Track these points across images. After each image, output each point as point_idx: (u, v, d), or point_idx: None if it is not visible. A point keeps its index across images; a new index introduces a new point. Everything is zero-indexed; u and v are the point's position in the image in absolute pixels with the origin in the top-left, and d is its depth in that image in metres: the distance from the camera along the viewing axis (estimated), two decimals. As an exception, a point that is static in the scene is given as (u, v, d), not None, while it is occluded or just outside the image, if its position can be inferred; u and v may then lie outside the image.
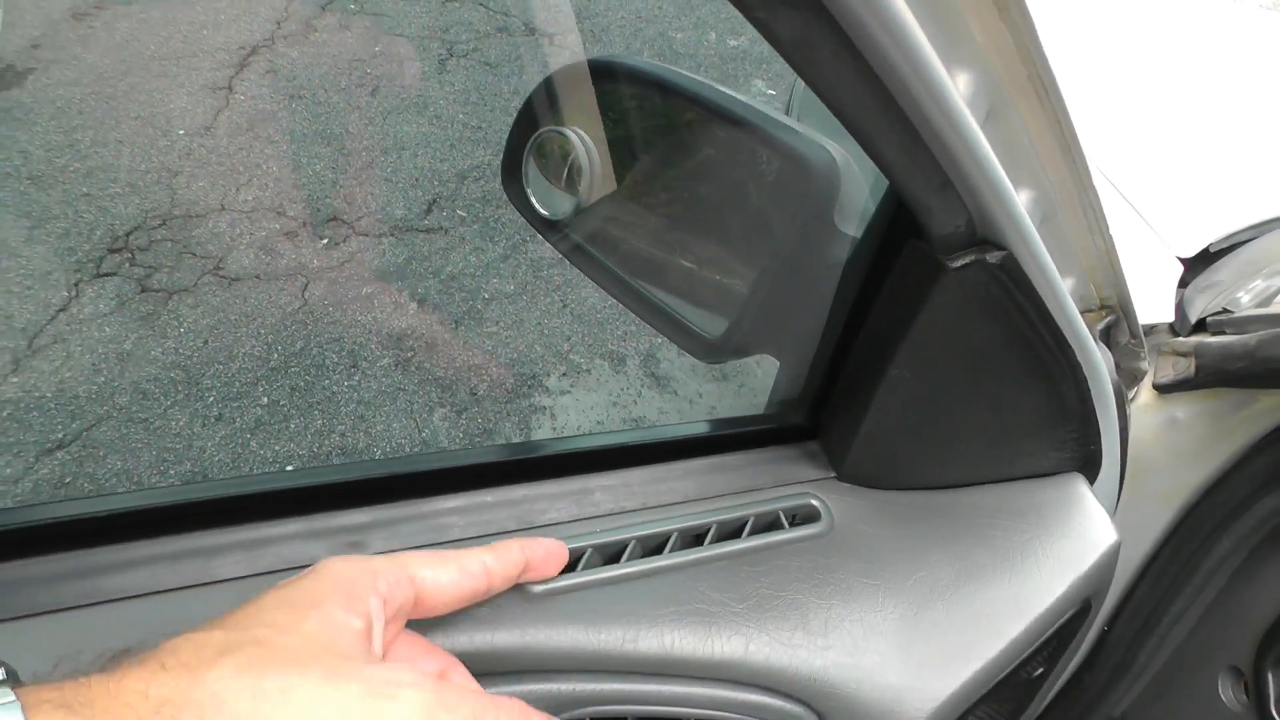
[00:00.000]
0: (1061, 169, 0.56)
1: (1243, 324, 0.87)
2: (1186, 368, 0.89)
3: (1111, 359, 0.79)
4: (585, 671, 0.56)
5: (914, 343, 0.59)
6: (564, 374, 2.46)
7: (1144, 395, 0.91)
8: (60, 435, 2.08)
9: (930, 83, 0.40)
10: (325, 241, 2.72)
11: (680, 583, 0.59)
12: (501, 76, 3.64)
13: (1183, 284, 0.99)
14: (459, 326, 2.52)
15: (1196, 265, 1.01)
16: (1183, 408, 0.92)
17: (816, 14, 0.36)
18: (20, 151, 2.80)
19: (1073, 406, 0.70)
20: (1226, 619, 0.97)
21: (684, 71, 0.77)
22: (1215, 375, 0.86)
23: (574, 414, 2.36)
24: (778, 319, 0.70)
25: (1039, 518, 0.73)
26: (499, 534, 0.59)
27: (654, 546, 0.61)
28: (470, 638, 0.53)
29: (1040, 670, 0.78)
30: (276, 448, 2.17)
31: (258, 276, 2.55)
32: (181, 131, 3.01)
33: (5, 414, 2.09)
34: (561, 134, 0.83)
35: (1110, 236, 0.65)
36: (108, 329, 2.33)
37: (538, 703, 0.55)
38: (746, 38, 4.06)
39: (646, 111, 0.82)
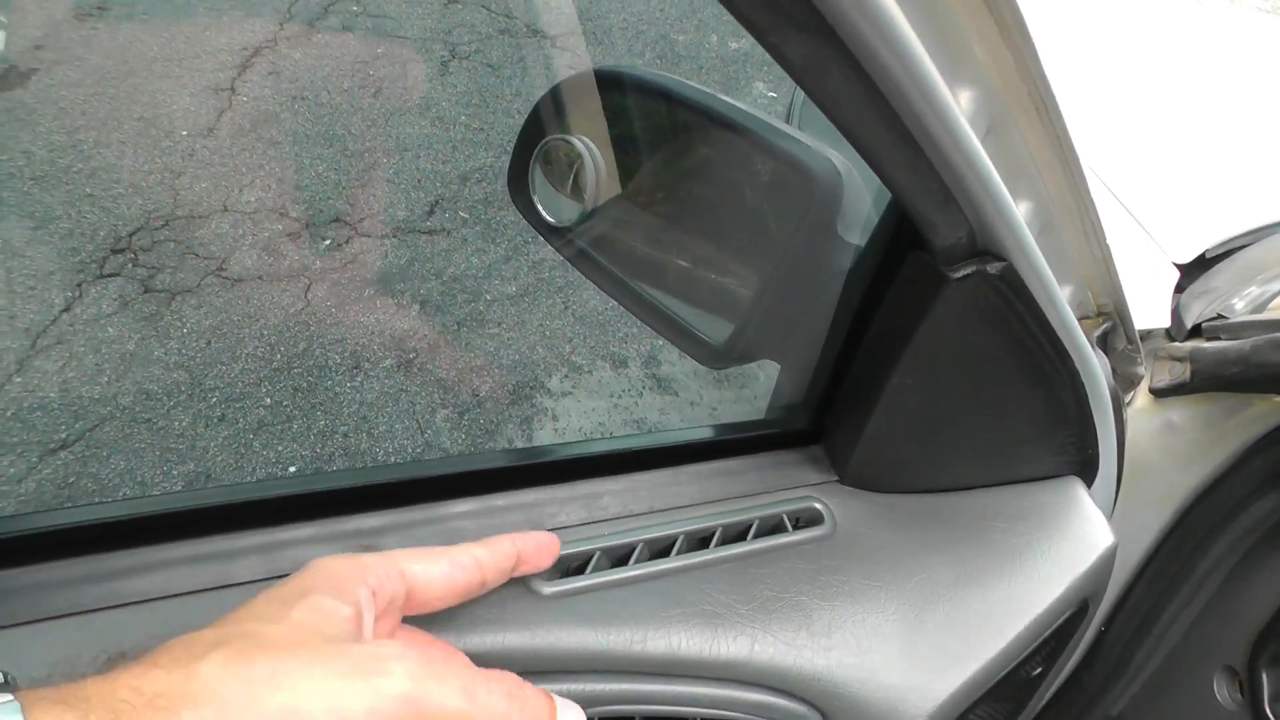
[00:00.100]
0: (1060, 181, 0.57)
1: (1237, 330, 0.88)
2: (1182, 372, 0.90)
3: (1109, 365, 0.80)
4: (594, 672, 0.57)
5: (916, 350, 0.61)
6: (566, 375, 2.48)
7: (1140, 399, 0.92)
8: (64, 435, 2.09)
9: (934, 102, 0.42)
10: (328, 243, 2.74)
11: (687, 585, 0.61)
12: (504, 78, 3.65)
13: (1179, 289, 1.00)
14: (461, 328, 2.54)
15: (1193, 271, 1.02)
16: (1179, 412, 0.93)
17: (826, 38, 0.37)
18: (23, 152, 2.80)
19: (1071, 412, 0.71)
20: (1222, 619, 0.98)
21: (689, 81, 0.78)
22: (1210, 380, 0.87)
23: (576, 415, 2.37)
24: (781, 325, 0.72)
25: (1038, 520, 0.74)
26: (510, 537, 0.60)
27: (661, 549, 0.63)
28: (481, 639, 0.54)
29: (1039, 670, 0.79)
30: (279, 448, 2.18)
31: (260, 277, 2.56)
32: (184, 132, 3.01)
33: (9, 414, 2.10)
34: (567, 142, 0.84)
35: (1107, 245, 0.66)
36: (111, 329, 2.34)
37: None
38: (748, 40, 4.06)
39: (652, 120, 0.83)
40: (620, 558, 0.61)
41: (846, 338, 0.68)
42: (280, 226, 2.75)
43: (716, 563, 0.63)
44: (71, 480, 2.01)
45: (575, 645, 0.56)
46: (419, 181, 3.03)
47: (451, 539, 0.59)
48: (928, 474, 0.74)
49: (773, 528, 0.67)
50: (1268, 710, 0.90)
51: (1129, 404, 0.91)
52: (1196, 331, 0.93)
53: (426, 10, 3.98)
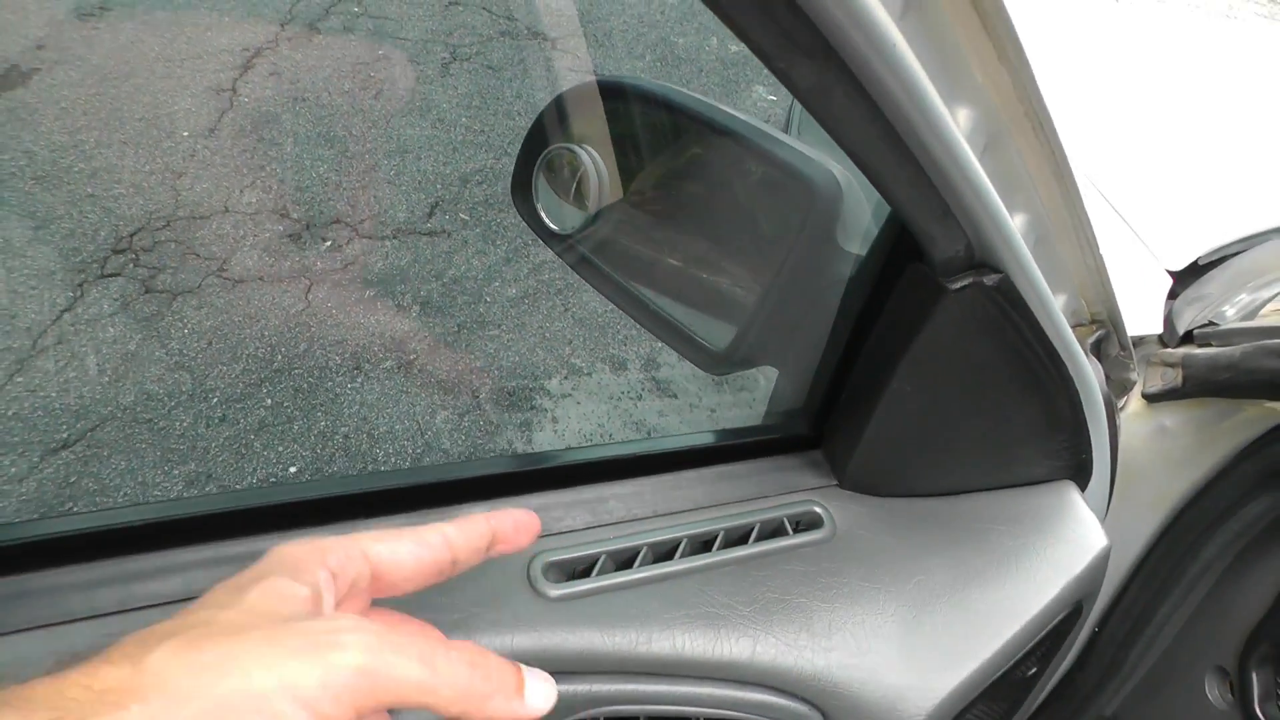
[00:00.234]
0: (1055, 194, 0.59)
1: (1228, 336, 0.90)
2: (1174, 378, 0.92)
3: (1102, 371, 0.82)
4: (600, 672, 0.58)
5: (915, 358, 0.62)
6: (565, 377, 2.49)
7: (1134, 404, 0.94)
8: (65, 435, 2.10)
9: (934, 123, 0.43)
10: (328, 244, 2.75)
11: (690, 587, 0.62)
12: (504, 80, 3.66)
13: (1172, 296, 1.02)
14: (461, 330, 2.55)
15: (1185, 278, 1.04)
16: (1171, 416, 0.95)
17: (831, 63, 0.39)
18: (25, 152, 2.81)
19: (1065, 418, 0.73)
20: (1213, 621, 1.00)
21: (690, 92, 0.79)
22: (1202, 385, 0.89)
23: (575, 416, 2.38)
24: (781, 332, 0.73)
25: (1033, 524, 0.76)
26: (518, 540, 0.61)
27: (665, 552, 0.64)
28: (489, 641, 0.55)
29: (1034, 670, 0.81)
30: (280, 449, 2.19)
31: (261, 278, 2.57)
32: (186, 133, 3.02)
33: (10, 413, 2.11)
34: (571, 150, 0.85)
35: (1100, 255, 0.68)
36: (112, 330, 2.34)
37: (556, 703, 0.58)
38: (746, 42, 4.07)
39: (653, 130, 0.84)
40: (625, 561, 0.63)
41: (846, 345, 0.69)
42: (281, 227, 2.76)
43: (719, 565, 0.64)
44: (73, 480, 2.02)
45: (581, 646, 0.57)
46: (419, 183, 3.04)
47: (461, 542, 0.60)
48: (925, 478, 0.75)
49: (773, 531, 0.68)
50: (1258, 710, 0.92)
51: (1122, 409, 0.92)
52: (1189, 338, 0.94)
53: (427, 12, 3.99)
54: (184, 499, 2.02)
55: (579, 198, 0.86)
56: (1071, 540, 0.76)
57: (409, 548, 0.42)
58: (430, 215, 2.92)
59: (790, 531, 0.69)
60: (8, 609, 0.50)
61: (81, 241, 2.56)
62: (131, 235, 2.61)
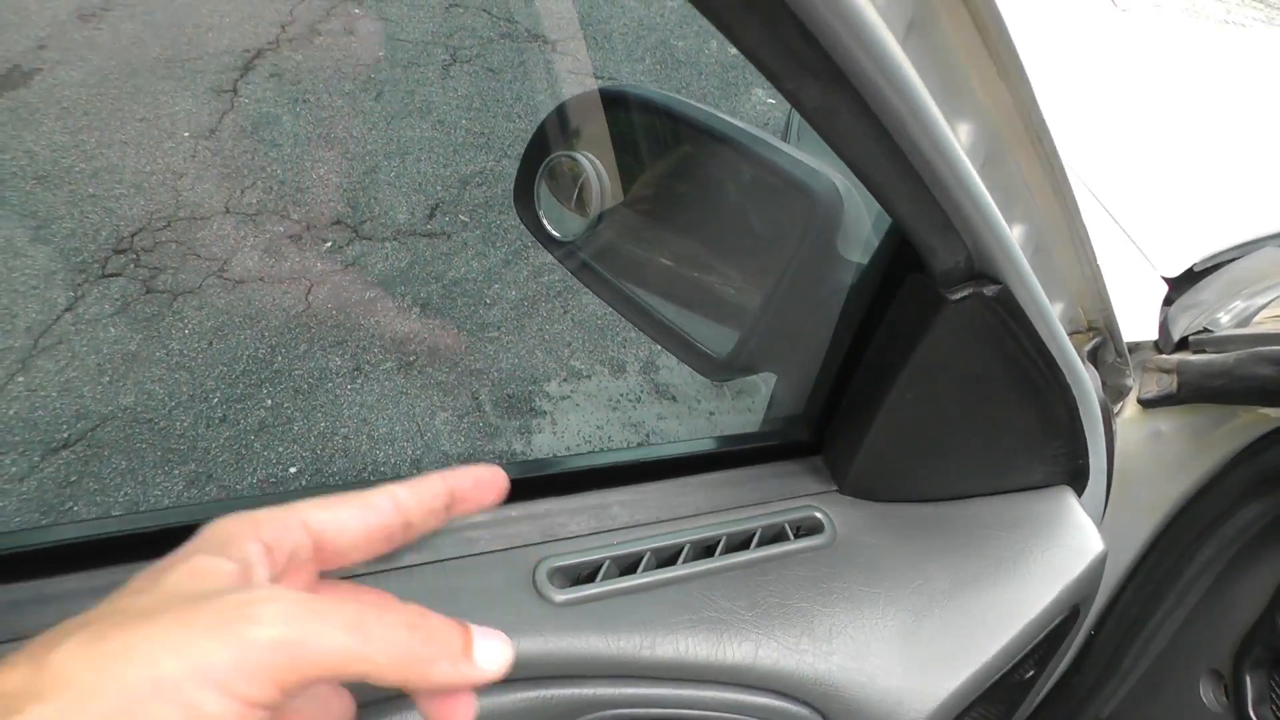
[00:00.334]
0: (1052, 205, 0.60)
1: (1222, 343, 0.91)
2: (1170, 384, 0.93)
3: (1098, 378, 0.83)
4: (605, 676, 0.59)
5: (915, 367, 0.63)
6: (565, 379, 2.50)
7: (1129, 409, 0.95)
8: (66, 435, 2.10)
9: (936, 140, 0.44)
10: (329, 245, 2.75)
11: (693, 592, 0.63)
12: (505, 82, 3.66)
13: (1167, 302, 1.03)
14: (461, 331, 2.56)
15: (1181, 284, 1.05)
16: (1166, 422, 0.96)
17: (838, 84, 0.40)
18: (26, 152, 2.81)
19: (1062, 424, 0.74)
20: (1207, 624, 1.01)
21: (692, 101, 0.80)
22: (1197, 392, 0.90)
23: (574, 418, 2.39)
24: (782, 339, 0.74)
25: (1030, 529, 0.77)
26: (523, 546, 0.62)
27: (668, 557, 0.65)
28: (496, 643, 0.56)
29: (1031, 673, 0.82)
30: (280, 449, 2.19)
31: (262, 279, 2.58)
32: (186, 134, 3.03)
33: (11, 413, 2.11)
34: (573, 158, 0.86)
35: (1097, 265, 0.69)
36: (113, 330, 2.35)
37: (560, 706, 0.59)
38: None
39: (655, 138, 0.84)
40: (629, 566, 0.64)
41: (846, 353, 0.70)
42: (282, 228, 2.76)
43: (721, 570, 0.65)
44: (73, 480, 2.03)
45: (587, 651, 0.58)
46: (420, 184, 3.05)
47: (467, 548, 0.61)
48: (925, 484, 0.76)
49: (775, 536, 0.69)
50: (1251, 713, 0.93)
51: (1118, 414, 0.93)
52: (1184, 344, 0.95)
53: (428, 14, 4.00)
54: (190, 505, 2.03)
55: (581, 205, 0.87)
56: (1069, 545, 0.77)
57: (353, 513, 0.39)
58: (430, 217, 2.93)
59: (791, 536, 0.69)
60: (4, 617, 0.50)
61: (83, 241, 2.57)
62: (132, 235, 2.62)
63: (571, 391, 2.46)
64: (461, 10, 4.05)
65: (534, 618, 0.58)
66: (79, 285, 2.44)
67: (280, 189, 2.90)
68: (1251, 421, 0.95)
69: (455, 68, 3.69)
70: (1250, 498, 0.96)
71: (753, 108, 3.90)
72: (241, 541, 0.35)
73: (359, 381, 2.36)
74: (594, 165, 0.85)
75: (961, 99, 0.48)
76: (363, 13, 3.88)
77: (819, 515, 0.71)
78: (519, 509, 0.64)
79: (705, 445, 0.74)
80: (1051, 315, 0.63)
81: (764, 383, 0.85)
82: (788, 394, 0.80)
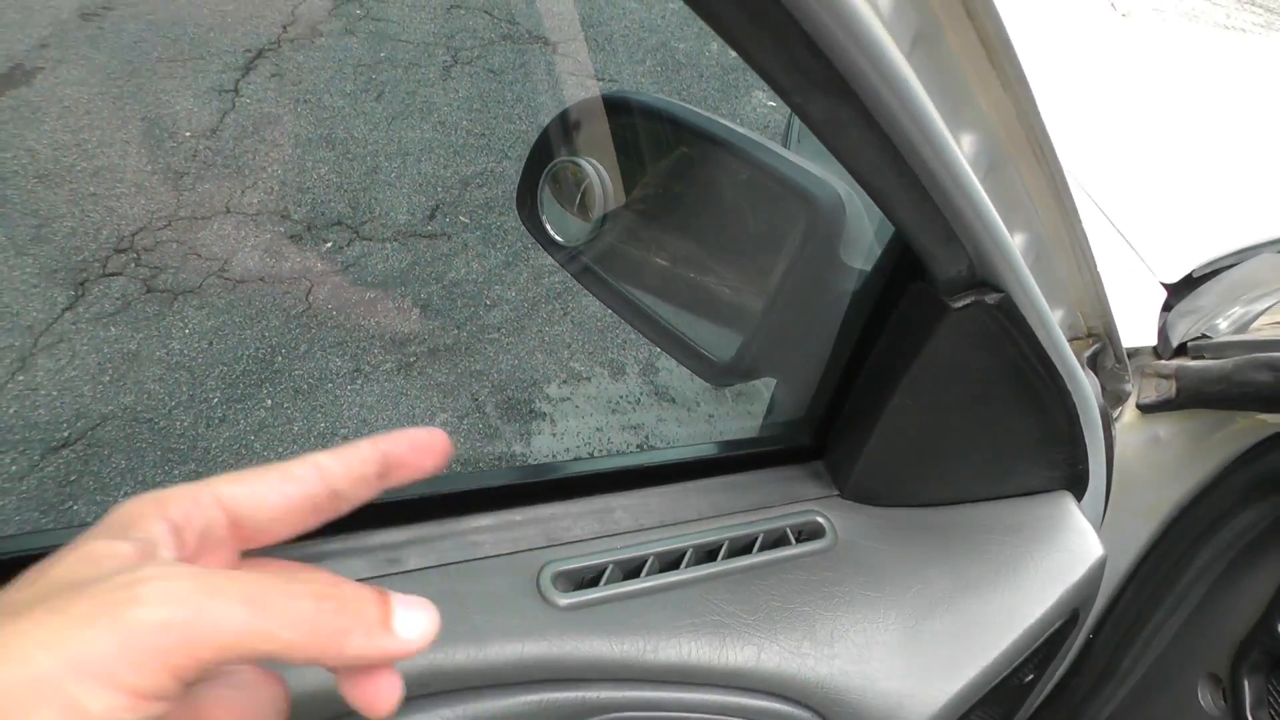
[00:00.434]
0: (1054, 214, 0.61)
1: (1220, 349, 0.91)
2: (1168, 389, 0.93)
3: (1098, 383, 0.83)
4: (608, 680, 0.60)
5: (917, 373, 0.64)
6: (564, 381, 2.50)
7: (1128, 414, 0.96)
8: (66, 434, 2.10)
9: (941, 152, 0.45)
10: (329, 245, 2.76)
11: (696, 596, 0.64)
12: (505, 84, 3.67)
13: (1166, 308, 1.03)
14: (461, 332, 2.56)
15: (1180, 290, 1.06)
16: (1164, 427, 0.97)
17: (845, 97, 0.40)
18: (28, 150, 2.81)
19: (1062, 430, 0.75)
20: (1205, 628, 1.02)
21: (694, 107, 0.80)
22: (1195, 397, 0.91)
23: (574, 420, 2.40)
24: (784, 345, 0.75)
25: (1031, 533, 0.78)
26: (527, 551, 0.63)
27: (671, 562, 0.66)
28: (500, 649, 0.57)
29: (1031, 676, 0.82)
30: (280, 450, 2.19)
31: (262, 279, 2.58)
32: (188, 133, 3.03)
33: (11, 411, 2.12)
34: (576, 163, 0.87)
35: (1097, 272, 0.69)
36: (113, 329, 2.35)
37: (564, 709, 0.59)
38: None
39: (658, 144, 0.85)
40: (632, 570, 0.64)
41: (848, 359, 0.71)
42: (282, 228, 2.76)
43: (724, 574, 0.66)
44: (73, 479, 2.03)
45: (591, 654, 0.58)
46: (420, 185, 3.05)
47: (472, 552, 0.62)
48: (925, 489, 0.77)
49: (777, 541, 0.70)
50: (1249, 716, 0.93)
51: (1117, 419, 0.94)
52: (1182, 350, 0.96)
53: (429, 14, 4.00)
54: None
55: (584, 209, 0.87)
56: (1068, 549, 0.78)
57: (272, 485, 0.36)
58: (431, 218, 2.93)
59: (793, 541, 0.70)
60: None
61: (84, 240, 2.57)
62: (133, 234, 2.62)
63: (571, 393, 2.46)
64: (463, 11, 4.06)
65: (538, 621, 0.58)
66: (80, 284, 2.45)
67: (281, 189, 2.91)
68: (1249, 427, 0.96)
69: (456, 69, 3.70)
70: (1248, 502, 0.97)
71: (753, 110, 3.91)
72: (145, 522, 0.33)
73: (359, 382, 2.36)
74: (597, 170, 0.85)
75: (965, 110, 0.48)
76: (364, 13, 3.88)
77: (820, 520, 0.72)
78: (523, 513, 0.65)
79: (707, 450, 0.75)
80: (1052, 322, 0.63)
81: (764, 387, 0.86)
82: (788, 399, 0.80)
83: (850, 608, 0.67)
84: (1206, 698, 1.00)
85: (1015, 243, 0.58)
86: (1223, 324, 0.96)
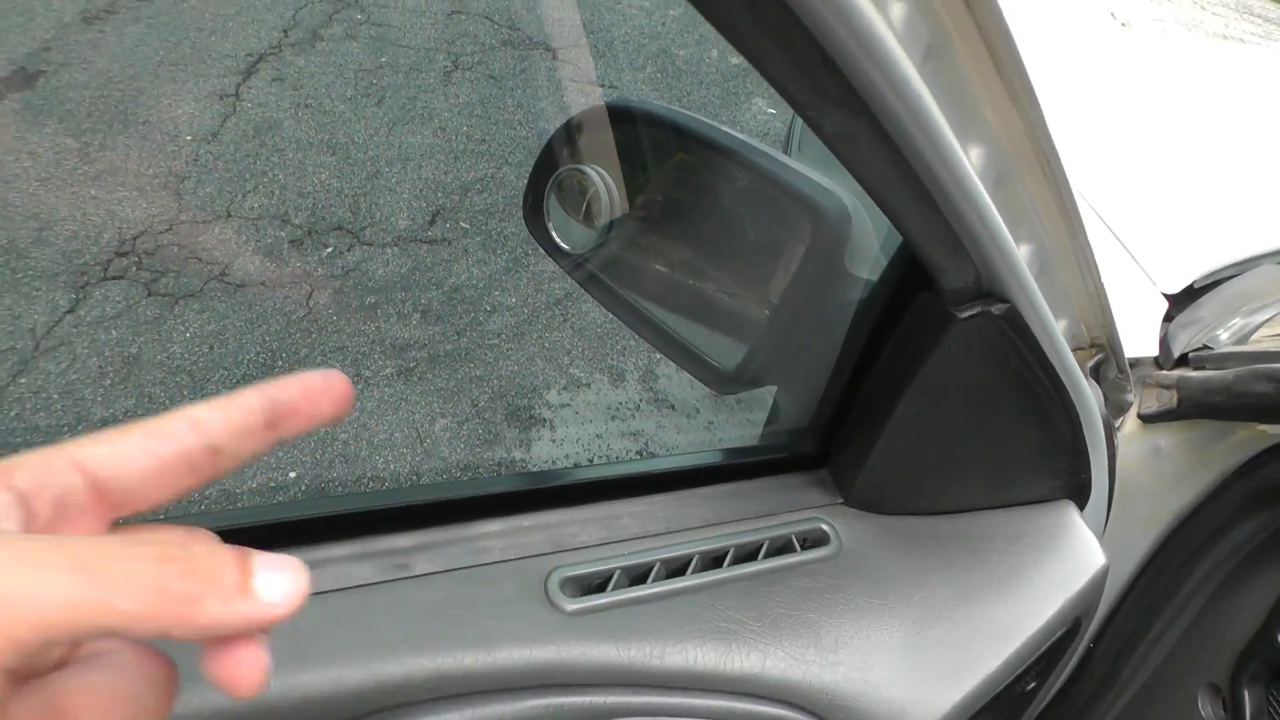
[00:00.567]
0: (1059, 226, 0.61)
1: (1221, 360, 0.92)
2: (1169, 400, 0.94)
3: (1101, 393, 0.84)
4: (615, 685, 0.60)
5: (922, 383, 0.64)
6: (564, 387, 2.50)
7: (1129, 425, 0.96)
8: (66, 437, 2.10)
9: (951, 166, 0.45)
10: (330, 250, 2.76)
11: (702, 602, 0.64)
12: (506, 90, 3.68)
13: (1167, 319, 1.04)
14: (461, 338, 2.56)
15: (1181, 301, 1.06)
16: (1166, 437, 0.97)
17: (858, 111, 0.41)
18: (30, 153, 2.82)
19: (1065, 440, 0.75)
20: (1205, 638, 1.02)
21: (699, 116, 0.81)
22: (1196, 408, 0.91)
23: (574, 426, 2.40)
24: (789, 354, 0.75)
25: (1033, 542, 0.78)
26: (534, 556, 0.63)
27: (677, 568, 0.66)
28: (509, 654, 0.57)
29: (1033, 685, 0.83)
30: (279, 454, 2.19)
31: (263, 283, 2.58)
32: (189, 137, 3.03)
33: (12, 415, 2.12)
34: (581, 172, 0.87)
35: (1101, 283, 0.70)
36: (114, 332, 2.35)
37: (570, 715, 0.59)
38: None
39: (663, 152, 0.86)
40: (639, 576, 0.64)
41: (854, 368, 0.71)
42: (283, 233, 2.77)
43: (729, 581, 0.66)
44: (73, 482, 2.02)
45: (598, 660, 0.59)
46: (421, 191, 3.06)
47: (481, 557, 0.62)
48: (929, 497, 0.77)
49: (782, 548, 0.70)
50: (1248, 726, 0.94)
51: (1119, 428, 0.94)
52: (1183, 360, 0.97)
53: (430, 20, 4.01)
54: (206, 513, 2.03)
55: (589, 218, 0.88)
56: (1071, 558, 0.78)
57: (138, 443, 0.31)
58: (431, 223, 2.94)
59: (798, 548, 0.70)
60: None
61: (85, 244, 2.57)
62: (134, 238, 2.62)
63: (571, 400, 2.47)
64: (464, 17, 4.07)
65: (546, 627, 0.59)
66: (81, 287, 2.45)
67: (282, 193, 2.91)
68: (1249, 437, 0.96)
69: (457, 74, 3.71)
70: (1248, 513, 0.97)
71: (753, 117, 3.92)
72: None
73: (359, 387, 2.36)
74: (602, 178, 0.86)
75: (974, 123, 0.49)
76: (365, 18, 3.89)
77: (825, 527, 0.72)
78: (531, 519, 0.65)
79: (713, 457, 0.75)
80: (1057, 333, 0.64)
81: (766, 393, 0.86)
82: (791, 406, 0.81)
83: (854, 615, 0.67)
84: (1207, 708, 1.00)
85: (1021, 254, 0.58)
86: (1224, 335, 0.96)
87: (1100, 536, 0.89)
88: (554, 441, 2.34)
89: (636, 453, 2.39)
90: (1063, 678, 1.07)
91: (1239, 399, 0.86)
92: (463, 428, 2.33)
